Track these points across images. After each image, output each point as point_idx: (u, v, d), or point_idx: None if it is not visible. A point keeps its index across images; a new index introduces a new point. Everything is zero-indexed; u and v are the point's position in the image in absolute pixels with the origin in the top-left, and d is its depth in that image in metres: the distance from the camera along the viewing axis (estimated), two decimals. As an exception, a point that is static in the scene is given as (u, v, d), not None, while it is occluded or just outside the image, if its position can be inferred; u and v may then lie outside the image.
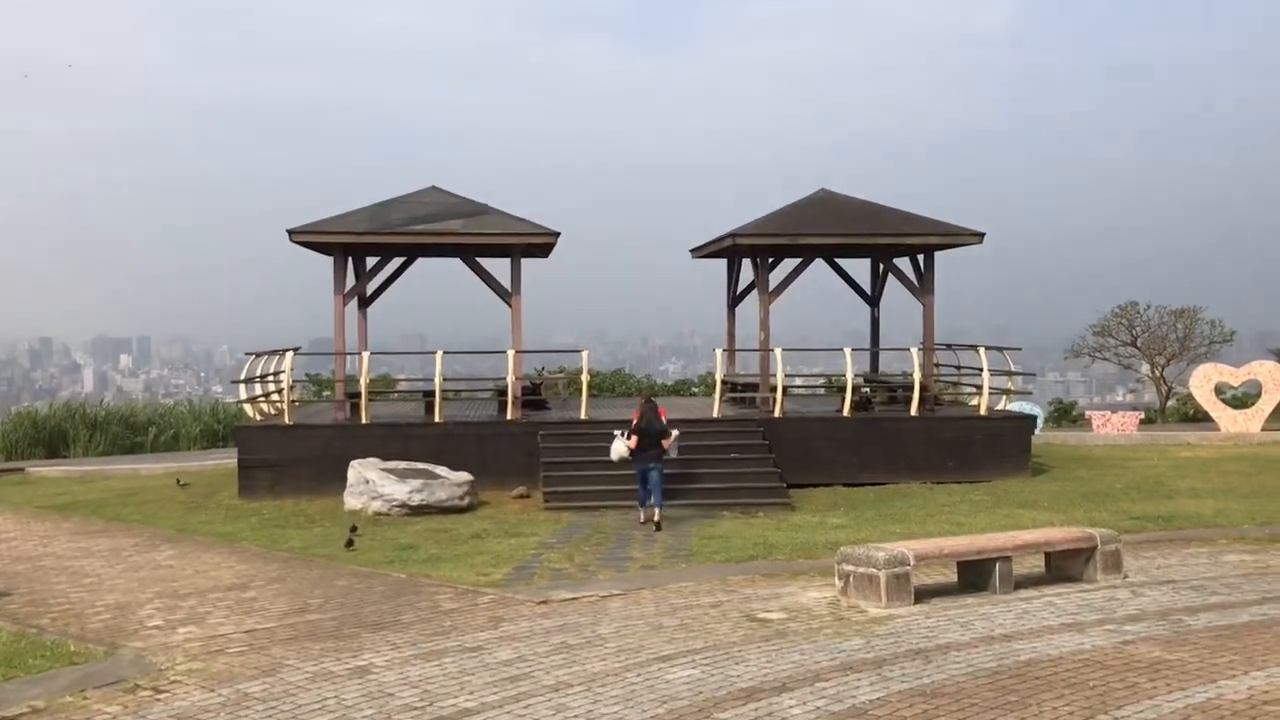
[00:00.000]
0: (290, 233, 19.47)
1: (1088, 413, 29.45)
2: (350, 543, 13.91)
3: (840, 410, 20.45)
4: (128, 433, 32.04)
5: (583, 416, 19.73)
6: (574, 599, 10.54)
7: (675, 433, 17.01)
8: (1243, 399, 29.77)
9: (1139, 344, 39.39)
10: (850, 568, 10.30)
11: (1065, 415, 37.37)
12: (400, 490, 17.11)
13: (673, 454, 17.05)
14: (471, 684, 7.78)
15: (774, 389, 20.03)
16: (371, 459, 18.20)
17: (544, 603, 10.39)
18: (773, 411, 20.02)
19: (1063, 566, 11.26)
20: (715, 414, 20.08)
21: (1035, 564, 11.59)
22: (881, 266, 23.76)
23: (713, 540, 14.09)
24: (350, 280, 20.74)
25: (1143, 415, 28.32)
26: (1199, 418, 32.38)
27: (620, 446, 16.97)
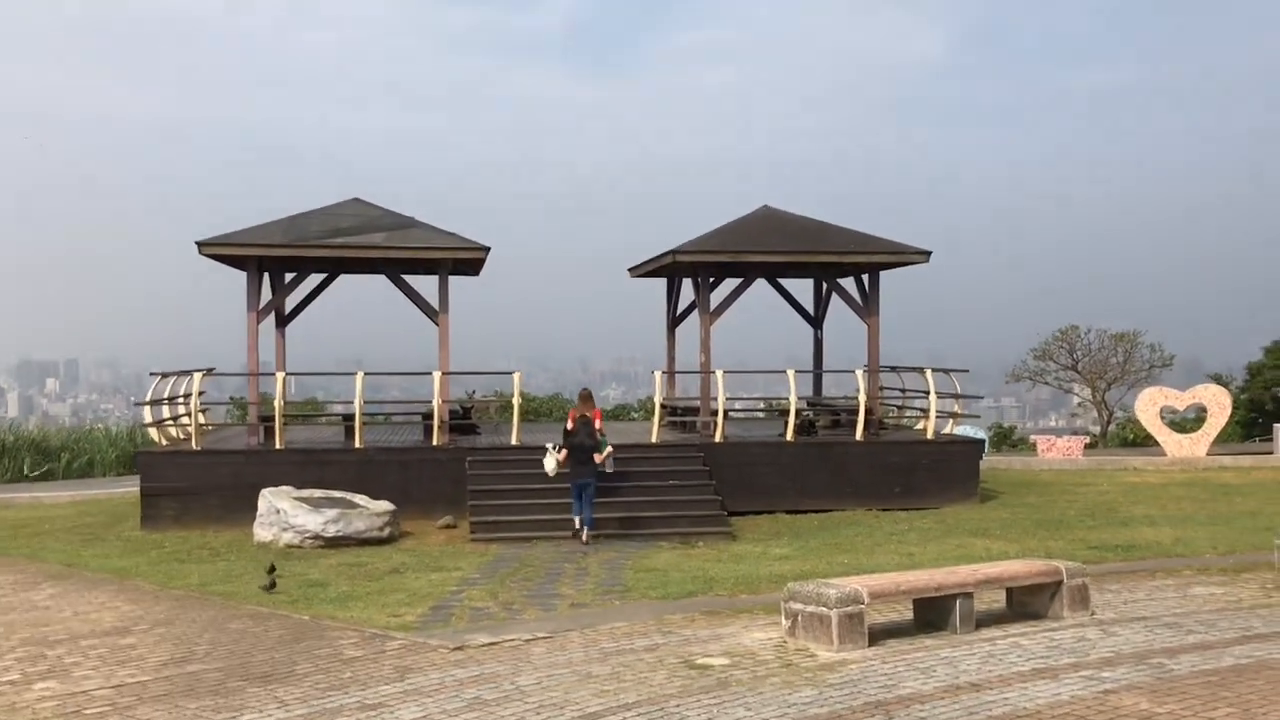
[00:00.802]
0: (200, 245, 18.22)
1: (1032, 437, 28.97)
2: (272, 585, 12.20)
3: (783, 435, 19.59)
4: (39, 459, 30.39)
5: (514, 441, 18.65)
6: (494, 644, 9.47)
7: (610, 449, 16.19)
8: (1181, 424, 29.47)
9: (1079, 368, 39.16)
10: (799, 606, 9.35)
11: (1005, 440, 36.98)
12: (314, 521, 15.90)
13: (609, 469, 16.19)
14: (365, 751, 6.69)
15: (715, 413, 19.12)
16: (284, 487, 16.96)
17: (460, 649, 9.30)
18: (713, 436, 19.11)
19: (1026, 602, 10.42)
20: (654, 439, 19.13)
21: (995, 599, 10.75)
22: (825, 286, 23.00)
23: (649, 574, 13.09)
24: (267, 296, 19.50)
25: (1088, 440, 27.84)
26: (1140, 442, 32.11)
27: (551, 462, 16.37)
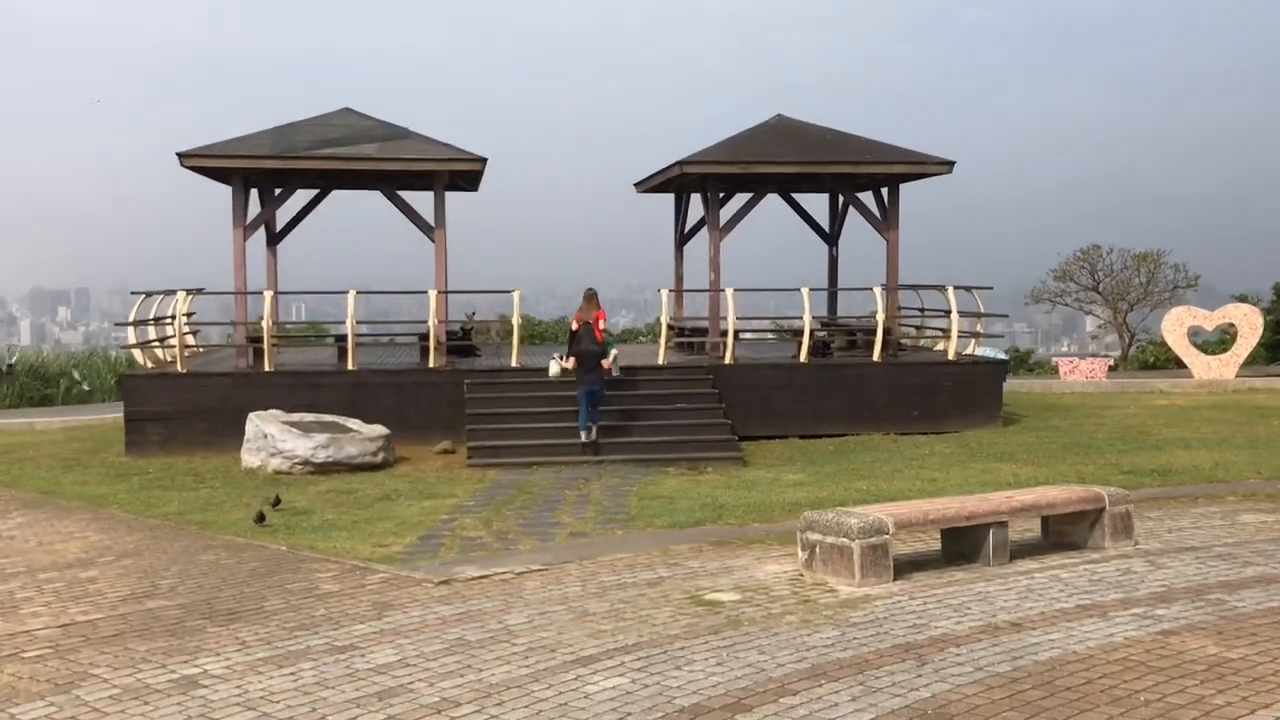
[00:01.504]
0: (181, 156, 17.22)
1: (1054, 359, 28.01)
2: (261, 517, 11.23)
3: (796, 356, 18.69)
4: (37, 384, 29.72)
5: (514, 363, 17.79)
6: (483, 577, 8.67)
7: (615, 352, 15.86)
8: (1203, 346, 28.47)
9: (1101, 289, 38.09)
10: (816, 537, 8.52)
11: (1022, 364, 36.02)
12: (303, 446, 15.11)
13: (615, 373, 15.92)
14: (327, 703, 5.90)
15: (725, 333, 18.21)
16: (273, 411, 16.16)
17: (445, 583, 8.51)
18: (723, 358, 18.21)
19: (1064, 532, 9.58)
20: (661, 361, 18.24)
21: (1028, 528, 9.92)
22: (841, 201, 21.93)
23: (654, 501, 12.28)
24: (257, 212, 18.52)
25: (1112, 362, 26.89)
26: (1160, 364, 31.11)
27: (554, 367, 16.02)
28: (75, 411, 25.29)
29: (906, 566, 8.74)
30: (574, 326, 15.99)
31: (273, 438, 15.24)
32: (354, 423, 16.05)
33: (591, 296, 16.25)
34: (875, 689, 5.88)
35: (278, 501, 12.04)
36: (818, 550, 8.50)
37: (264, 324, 17.20)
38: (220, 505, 12.62)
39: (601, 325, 15.91)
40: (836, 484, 13.29)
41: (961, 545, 9.03)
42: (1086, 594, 7.88)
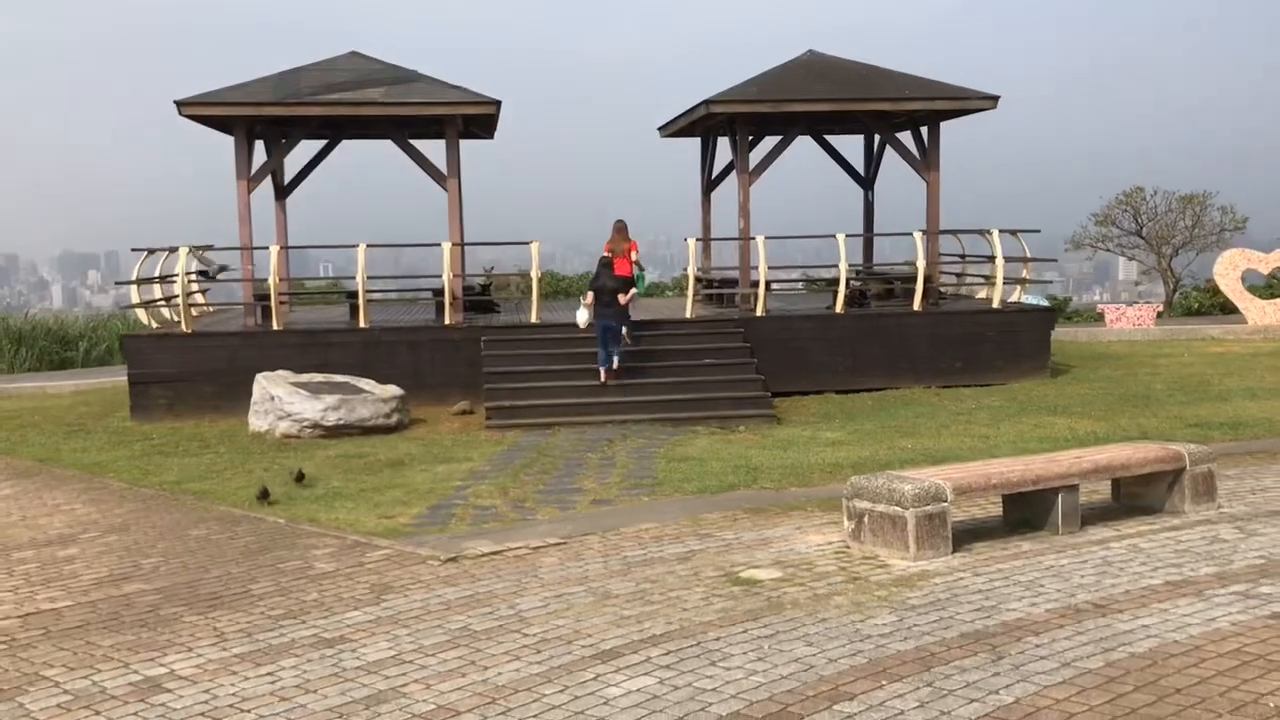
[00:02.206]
0: (180, 104, 16.32)
1: (1099, 306, 26.82)
2: (265, 494, 10.05)
3: (832, 307, 17.70)
4: (57, 347, 29.13)
5: (534, 319, 16.89)
6: (496, 553, 7.84)
7: (634, 290, 15.43)
8: (1254, 290, 27.21)
9: (1144, 233, 36.68)
10: (865, 505, 7.62)
11: (1059, 312, 34.78)
12: (312, 408, 14.32)
13: (632, 313, 15.49)
14: (305, 712, 5.08)
15: (756, 284, 17.23)
16: (281, 372, 15.37)
17: (453, 560, 7.68)
18: (754, 310, 17.25)
19: (1138, 494, 8.64)
20: (688, 314, 17.30)
21: (1095, 490, 8.99)
22: (877, 141, 20.80)
23: (684, 463, 11.40)
24: (263, 162, 17.63)
25: (1159, 308, 25.69)
26: (1203, 311, 29.80)
27: (583, 314, 15.44)
28: (91, 375, 24.66)
29: (965, 536, 7.84)
30: (605, 253, 15.76)
31: (280, 400, 14.46)
32: (366, 383, 15.25)
33: (622, 228, 16.00)
34: (946, 691, 5.00)
35: (301, 477, 10.90)
36: (866, 520, 7.60)
37: (270, 280, 16.36)
38: (222, 473, 11.86)
39: (634, 255, 15.82)
40: (878, 443, 12.38)
41: (1026, 511, 8.12)
42: (1174, 567, 6.96)
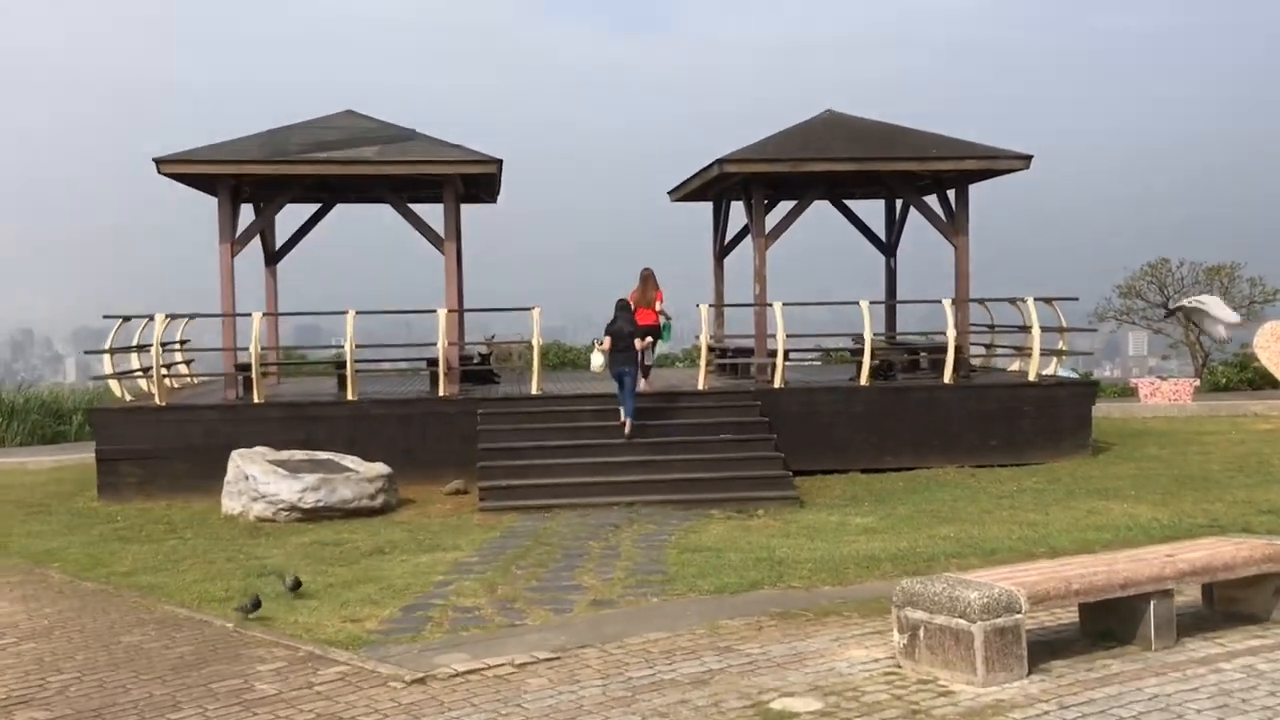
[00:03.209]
0: (159, 162, 15.33)
1: (1132, 380, 25.50)
2: (255, 605, 8.11)
3: (855, 378, 16.47)
4: (50, 421, 27.96)
5: (534, 390, 15.67)
6: (473, 671, 6.52)
7: (650, 338, 15.10)
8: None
9: (1170, 305, 35.47)
10: (920, 615, 6.30)
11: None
12: (289, 489, 13.06)
13: (649, 360, 15.18)
14: None
15: (774, 353, 16.02)
16: (259, 449, 14.13)
17: (420, 681, 6.36)
18: (772, 381, 16.02)
19: (1234, 599, 7.30)
20: (701, 385, 16.07)
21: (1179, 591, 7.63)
22: (899, 205, 19.73)
23: (698, 554, 10.08)
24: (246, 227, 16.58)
25: (1197, 382, 24.38)
26: (1231, 386, 28.34)
27: (597, 358, 15.11)
28: (77, 450, 23.48)
29: (1039, 651, 6.50)
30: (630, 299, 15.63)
31: (254, 479, 13.21)
32: (351, 460, 14.00)
33: (649, 276, 15.99)
34: None
35: (297, 585, 8.83)
36: (922, 633, 6.28)
37: (251, 349, 15.19)
38: (180, 564, 10.57)
39: (658, 306, 15.75)
40: (916, 530, 11.05)
41: (1109, 620, 6.78)
42: (1310, 699, 5.61)
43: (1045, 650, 6.58)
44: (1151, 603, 6.57)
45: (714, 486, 13.48)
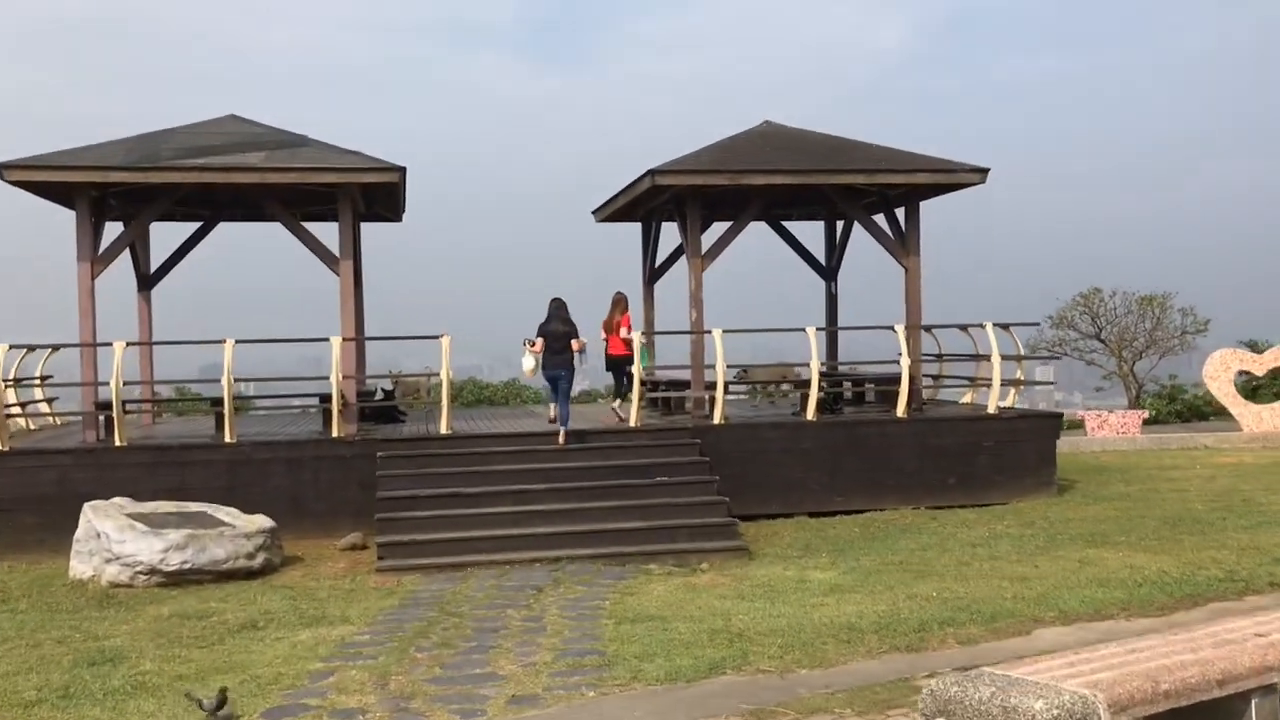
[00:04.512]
0: (3, 168, 13.22)
1: (1080, 413, 24.43)
2: (211, 708, 6.33)
3: (800, 413, 14.93)
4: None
5: (444, 430, 13.80)
6: (346, 820, 4.68)
7: (585, 340, 13.72)
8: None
9: (1103, 336, 34.78)
10: (956, 728, 4.63)
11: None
12: (149, 548, 11.00)
13: (581, 363, 13.87)
14: None
15: (713, 386, 14.40)
16: (118, 500, 12.04)
17: (269, 842, 4.50)
18: (710, 416, 14.38)
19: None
20: (633, 422, 14.36)
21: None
22: (841, 225, 18.34)
23: (639, 625, 8.32)
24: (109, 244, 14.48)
25: (1146, 414, 23.37)
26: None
27: (528, 359, 13.87)
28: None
29: (1106, 769, 4.87)
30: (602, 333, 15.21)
31: (107, 537, 11.12)
32: (227, 513, 11.97)
33: (619, 300, 15.38)
34: None
35: (221, 705, 6.38)
36: (961, 755, 4.61)
37: (112, 385, 13.09)
38: (11, 641, 8.51)
39: (623, 333, 15.05)
40: (890, 589, 9.42)
41: (1189, 722, 5.19)
42: None
43: (1113, 766, 4.96)
44: (1254, 701, 5.00)
45: (650, 537, 11.74)
